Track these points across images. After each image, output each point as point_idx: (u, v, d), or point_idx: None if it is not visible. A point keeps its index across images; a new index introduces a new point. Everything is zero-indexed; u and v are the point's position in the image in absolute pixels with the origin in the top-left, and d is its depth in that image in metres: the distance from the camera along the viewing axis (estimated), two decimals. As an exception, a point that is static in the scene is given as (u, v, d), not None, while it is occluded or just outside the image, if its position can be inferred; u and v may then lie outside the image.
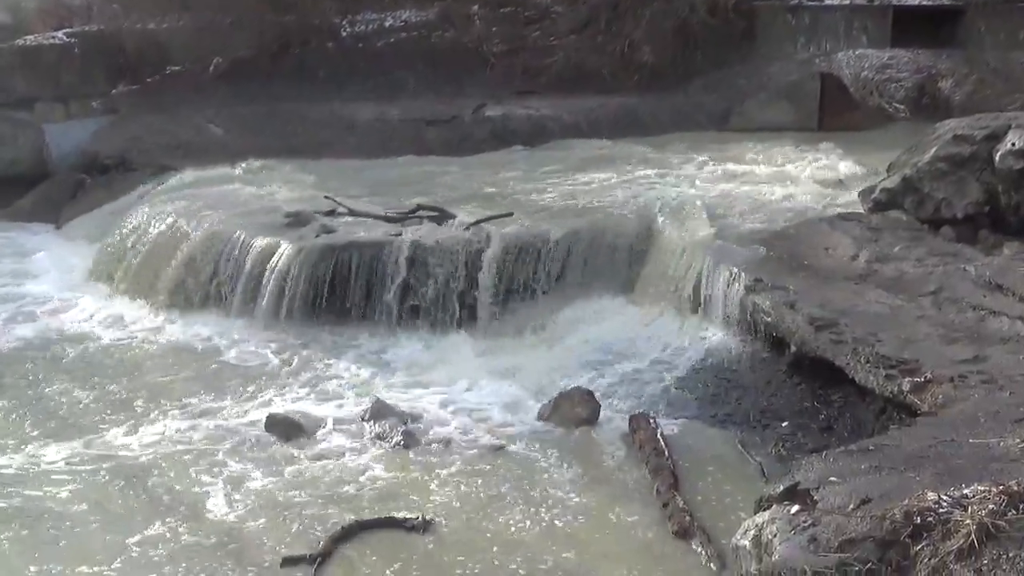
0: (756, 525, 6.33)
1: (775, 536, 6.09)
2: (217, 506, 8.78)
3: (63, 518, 8.56)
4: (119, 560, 7.94)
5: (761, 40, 22.90)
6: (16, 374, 11.72)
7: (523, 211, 13.89)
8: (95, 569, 7.79)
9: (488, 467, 9.50)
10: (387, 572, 7.87)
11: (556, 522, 8.58)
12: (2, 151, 19.01)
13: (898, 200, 12.63)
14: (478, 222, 13.16)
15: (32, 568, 7.84)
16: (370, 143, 18.81)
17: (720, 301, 11.49)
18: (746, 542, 6.30)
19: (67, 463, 9.49)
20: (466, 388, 11.19)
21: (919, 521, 5.71)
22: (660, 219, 13.20)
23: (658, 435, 9.74)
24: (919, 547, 5.58)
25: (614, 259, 12.97)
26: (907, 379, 8.91)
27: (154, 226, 14.49)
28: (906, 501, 5.90)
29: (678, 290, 12.13)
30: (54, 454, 9.66)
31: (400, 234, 12.99)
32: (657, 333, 11.93)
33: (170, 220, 14.35)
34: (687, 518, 8.42)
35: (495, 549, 8.18)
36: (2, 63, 20.31)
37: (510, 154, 18.51)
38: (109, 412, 10.65)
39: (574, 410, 10.34)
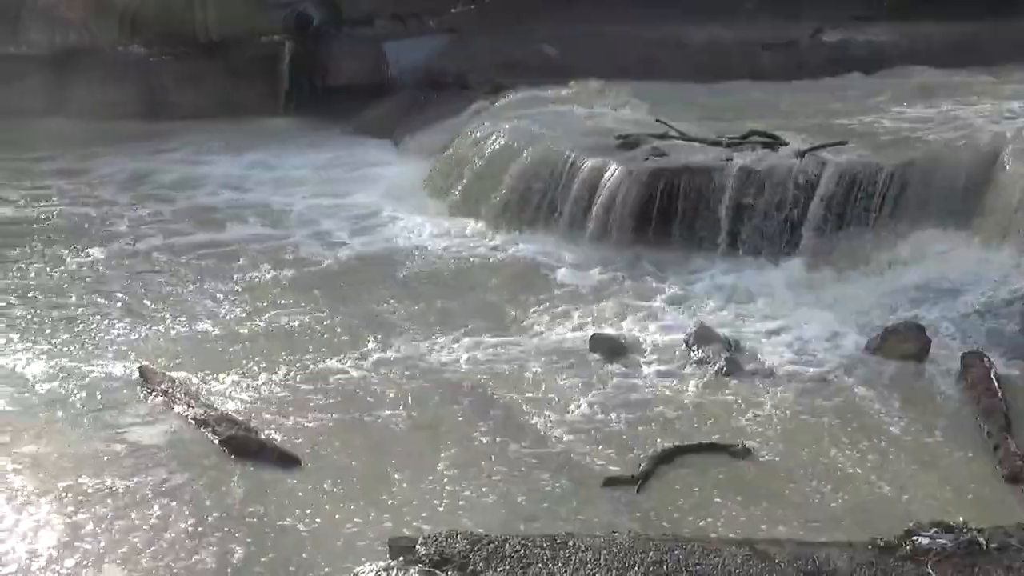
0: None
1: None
2: (539, 422, 8.96)
3: (393, 427, 8.93)
4: (450, 470, 8.21)
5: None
6: (352, 284, 12.25)
7: (858, 140, 13.50)
8: (429, 479, 8.08)
9: (811, 398, 9.39)
10: (706, 496, 7.89)
11: (879, 458, 8.42)
12: (346, 66, 19.80)
13: None
14: (811, 149, 12.88)
15: (373, 471, 8.19)
16: (703, 66, 18.54)
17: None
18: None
19: (397, 373, 9.85)
20: (790, 318, 11.04)
21: None
22: (1004, 152, 12.57)
23: (991, 375, 9.40)
24: None
25: (950, 192, 12.45)
26: None
27: (487, 144, 14.81)
28: None
29: (1019, 225, 11.56)
30: (386, 364, 10.04)
31: (731, 159, 12.86)
32: (994, 270, 11.44)
33: (502, 139, 14.63)
34: (1019, 463, 8.11)
35: (815, 481, 8.10)
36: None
37: (846, 81, 17.93)
38: (437, 325, 10.98)
39: (902, 344, 10.09)
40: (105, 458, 8.17)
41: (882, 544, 6.07)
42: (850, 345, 10.39)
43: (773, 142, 13.39)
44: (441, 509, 7.67)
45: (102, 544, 7.10)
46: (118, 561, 6.96)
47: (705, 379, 9.77)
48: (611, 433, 8.81)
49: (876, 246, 12.17)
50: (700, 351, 10.15)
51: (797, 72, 18.38)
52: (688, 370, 9.95)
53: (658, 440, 8.64)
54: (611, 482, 8.03)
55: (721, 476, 8.17)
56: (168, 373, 9.54)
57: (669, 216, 12.73)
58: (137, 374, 9.50)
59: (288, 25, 20.60)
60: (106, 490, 7.72)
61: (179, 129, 18.88)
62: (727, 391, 9.56)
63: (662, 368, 10.01)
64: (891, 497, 7.89)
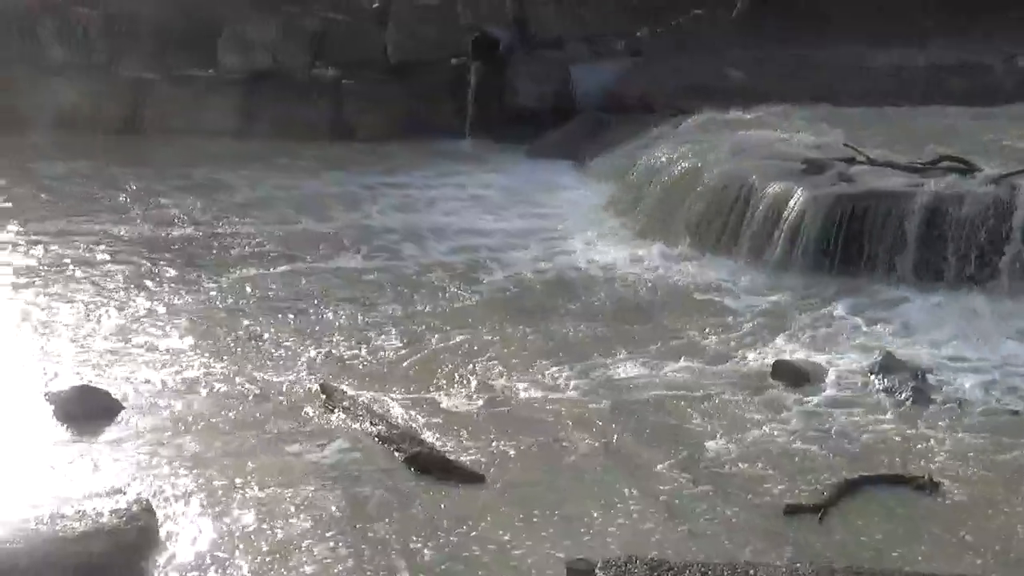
0: None
1: None
2: (720, 448, 8.84)
3: (573, 449, 8.87)
4: (629, 494, 8.12)
5: None
6: (533, 305, 12.31)
7: (1056, 168, 13.05)
8: (609, 502, 8.02)
9: (1005, 434, 9.05)
10: (890, 529, 7.70)
11: (1082, 501, 8.10)
12: (531, 89, 20.01)
13: None
14: (1007, 175, 12.52)
15: (554, 493, 8.18)
16: (889, 90, 18.29)
17: None
18: None
19: (577, 395, 9.83)
20: (984, 349, 10.72)
21: None
22: None
23: None
24: None
25: None
26: None
27: (670, 167, 14.80)
28: None
29: None
30: (566, 386, 10.02)
31: (921, 185, 12.58)
32: None
33: (686, 162, 14.60)
34: None
35: (1006, 521, 7.80)
36: (537, 2, 21.28)
37: (1043, 108, 17.44)
38: (618, 348, 10.92)
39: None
40: (290, 473, 8.32)
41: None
42: (1051, 379, 10.05)
43: (965, 168, 13.06)
44: (620, 533, 7.62)
45: (290, 560, 7.24)
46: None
47: (891, 409, 9.54)
48: (792, 461, 8.66)
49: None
50: (886, 380, 9.92)
51: (987, 98, 17.94)
52: (873, 399, 9.74)
53: (840, 470, 8.46)
54: (793, 510, 7.89)
55: (906, 509, 7.95)
56: (348, 390, 9.70)
57: (856, 242, 12.51)
58: (319, 390, 9.68)
59: (476, 48, 20.88)
60: (292, 504, 7.86)
61: (364, 150, 19.34)
62: (914, 422, 9.31)
63: (846, 396, 9.80)
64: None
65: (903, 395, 9.66)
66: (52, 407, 9.12)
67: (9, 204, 15.62)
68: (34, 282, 12.44)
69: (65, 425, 8.93)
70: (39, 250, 13.52)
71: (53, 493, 7.71)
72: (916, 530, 7.68)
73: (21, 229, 14.41)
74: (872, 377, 10.07)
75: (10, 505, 7.27)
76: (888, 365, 10.12)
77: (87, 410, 9.07)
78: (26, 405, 9.25)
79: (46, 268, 12.90)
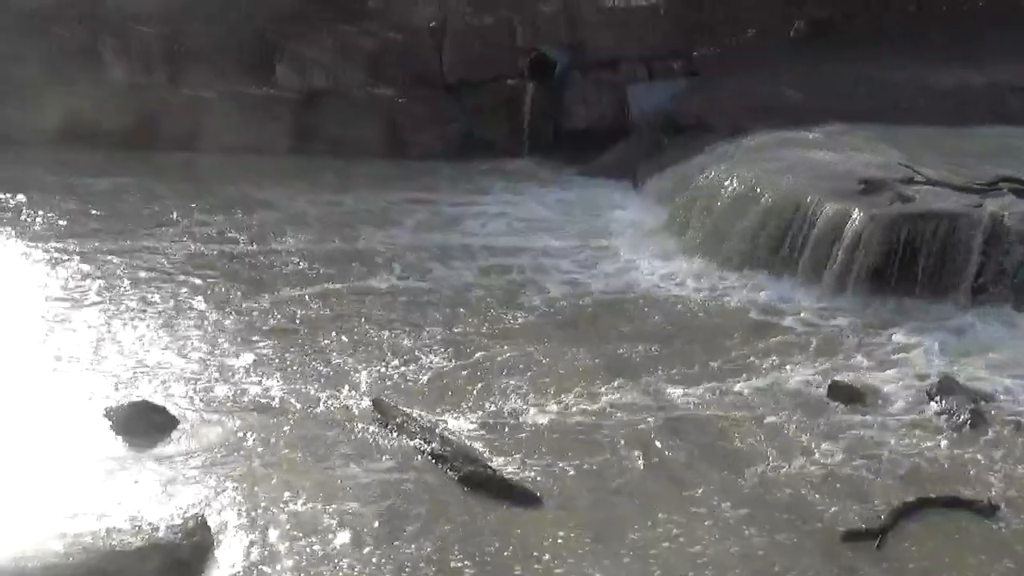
0: None
1: None
2: (776, 470, 8.81)
3: (628, 469, 8.87)
4: (684, 515, 8.12)
5: None
6: (590, 324, 12.29)
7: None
8: (665, 523, 8.00)
9: (1066, 457, 8.97)
10: (950, 553, 7.63)
11: None
12: (587, 109, 20.03)
13: None
14: (1067, 196, 12.40)
15: (609, 513, 8.18)
16: (949, 109, 18.07)
17: None
18: None
19: (632, 415, 9.80)
20: (1045, 372, 10.60)
21: None
22: None
23: None
24: None
25: None
26: None
27: (727, 187, 14.71)
28: None
29: None
30: (621, 405, 9.99)
31: (980, 205, 12.46)
32: None
33: (743, 182, 14.53)
34: None
35: (1070, 545, 7.75)
36: (594, 23, 21.31)
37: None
38: (674, 368, 10.91)
39: None
40: (344, 490, 8.36)
41: None
42: (1114, 405, 9.91)
43: (1024, 188, 12.95)
44: (676, 555, 7.61)
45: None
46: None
47: (948, 431, 9.46)
48: (849, 483, 8.60)
49: None
50: (943, 402, 9.84)
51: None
52: (930, 421, 9.66)
53: (897, 493, 8.39)
54: (850, 536, 7.82)
55: (965, 533, 7.89)
56: (402, 407, 9.72)
57: (913, 262, 12.40)
58: (372, 407, 9.71)
59: (532, 68, 20.92)
60: (344, 521, 7.90)
61: (419, 169, 19.38)
62: (972, 445, 9.23)
63: (903, 418, 9.73)
64: None
65: (961, 418, 9.57)
66: (109, 422, 9.22)
67: (63, 221, 15.77)
68: (87, 298, 12.53)
69: (122, 440, 9.02)
70: (90, 267, 13.61)
71: (109, 508, 7.80)
72: (975, 554, 7.63)
73: (71, 245, 14.53)
74: (929, 399, 9.98)
75: (67, 519, 7.34)
76: (946, 387, 10.04)
77: (144, 426, 9.17)
78: (84, 420, 9.34)
79: (97, 285, 12.99)
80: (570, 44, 21.23)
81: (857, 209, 12.78)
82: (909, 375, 10.66)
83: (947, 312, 12.09)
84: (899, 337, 11.60)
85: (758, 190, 14.10)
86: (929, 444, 9.28)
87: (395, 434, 9.22)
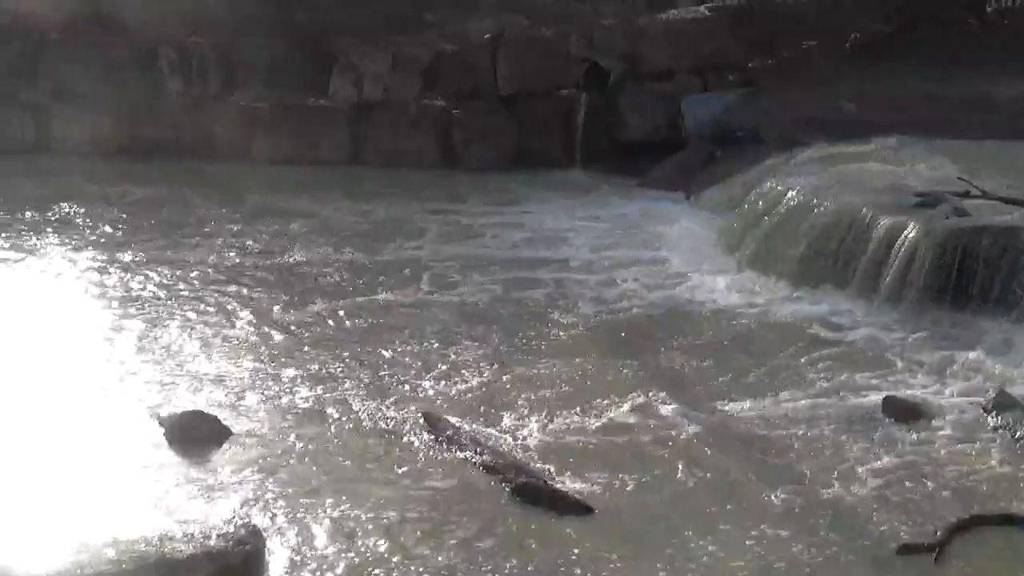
0: None
1: None
2: (830, 485, 8.73)
3: (681, 483, 8.83)
4: (738, 530, 8.06)
5: None
6: (642, 337, 12.25)
7: None
8: (718, 538, 7.94)
9: (1125, 476, 8.84)
10: (1007, 570, 7.56)
11: None
12: (641, 120, 20.02)
13: None
14: None
15: (663, 526, 8.14)
16: (1008, 124, 17.92)
17: None
18: None
19: (684, 428, 9.74)
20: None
21: None
22: None
23: None
24: None
25: None
26: None
27: (782, 200, 14.65)
28: None
29: None
30: (672, 419, 9.93)
31: (1038, 220, 12.35)
32: None
33: (798, 195, 14.46)
34: None
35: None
36: (649, 34, 21.32)
37: None
38: (726, 382, 10.87)
39: None
40: (395, 501, 8.36)
41: None
42: None
43: (1086, 202, 12.80)
44: (725, 569, 7.56)
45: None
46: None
47: (1005, 447, 9.34)
48: (904, 499, 8.52)
49: None
50: (1000, 418, 9.73)
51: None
52: (986, 437, 9.55)
53: (952, 508, 8.30)
54: (906, 550, 7.74)
55: (1020, 550, 7.78)
56: (452, 419, 9.73)
57: (969, 277, 12.25)
58: (422, 419, 9.72)
59: (587, 79, 20.94)
60: (396, 532, 7.90)
61: (473, 180, 19.47)
62: (1028, 461, 9.13)
63: (958, 434, 9.62)
64: None
65: (1017, 433, 9.46)
66: (163, 431, 9.29)
67: (110, 229, 15.96)
68: (136, 308, 12.67)
69: (175, 449, 9.09)
70: (139, 277, 13.75)
71: (162, 516, 7.86)
72: (1030, 573, 7.53)
73: (118, 256, 14.69)
74: (985, 415, 9.88)
75: (120, 527, 7.39)
76: (1002, 403, 9.93)
77: (197, 435, 9.24)
78: (137, 428, 9.43)
79: (146, 295, 13.14)
80: (625, 55, 21.22)
81: (912, 223, 12.68)
82: (964, 390, 10.56)
83: (1003, 327, 11.92)
84: (955, 351, 11.46)
85: (813, 203, 14.02)
86: (984, 459, 9.18)
87: (445, 446, 9.22)
